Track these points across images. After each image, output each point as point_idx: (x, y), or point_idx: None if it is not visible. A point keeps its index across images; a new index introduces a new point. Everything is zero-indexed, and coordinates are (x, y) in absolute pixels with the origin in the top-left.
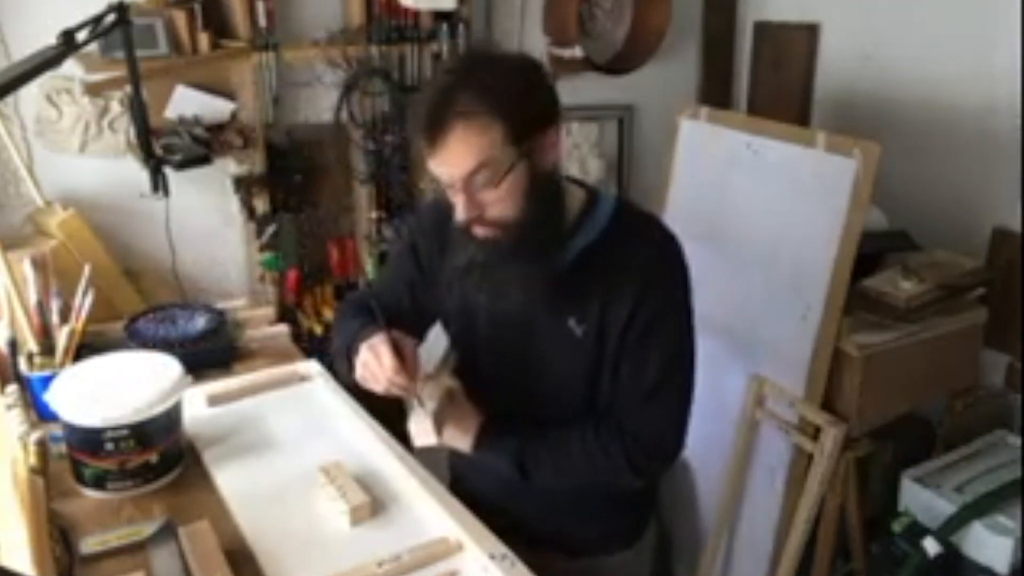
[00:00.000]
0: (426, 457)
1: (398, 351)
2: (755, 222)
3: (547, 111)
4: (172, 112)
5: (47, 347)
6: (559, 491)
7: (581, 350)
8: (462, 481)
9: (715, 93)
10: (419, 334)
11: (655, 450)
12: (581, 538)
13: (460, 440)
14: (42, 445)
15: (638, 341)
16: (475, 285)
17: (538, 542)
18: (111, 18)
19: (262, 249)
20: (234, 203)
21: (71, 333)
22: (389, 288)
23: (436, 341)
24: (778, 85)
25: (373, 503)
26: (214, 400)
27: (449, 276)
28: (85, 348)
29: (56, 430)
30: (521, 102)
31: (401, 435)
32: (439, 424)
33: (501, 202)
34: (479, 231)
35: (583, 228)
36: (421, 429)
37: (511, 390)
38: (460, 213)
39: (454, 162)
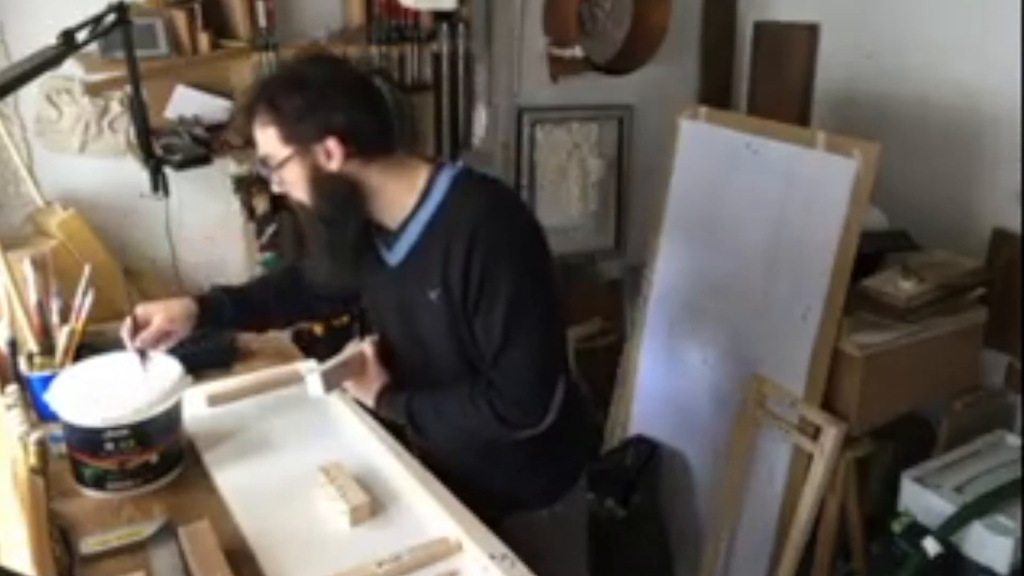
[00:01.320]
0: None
1: (137, 324)
2: (755, 222)
3: (325, 127)
4: (172, 112)
5: (47, 347)
6: (474, 447)
7: (439, 315)
8: (427, 456)
9: (715, 93)
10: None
11: (515, 403)
12: (500, 490)
13: (364, 396)
14: (42, 445)
15: (476, 299)
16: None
17: (474, 498)
18: (111, 18)
19: (262, 249)
20: (234, 203)
21: (71, 333)
22: None
23: None
24: (778, 85)
25: (373, 503)
26: (214, 400)
27: None
28: (85, 348)
29: (56, 430)
30: (294, 116)
31: (401, 435)
32: (329, 381)
33: (290, 186)
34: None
35: (423, 204)
36: (310, 380)
37: (406, 356)
38: (272, 185)
39: (257, 144)
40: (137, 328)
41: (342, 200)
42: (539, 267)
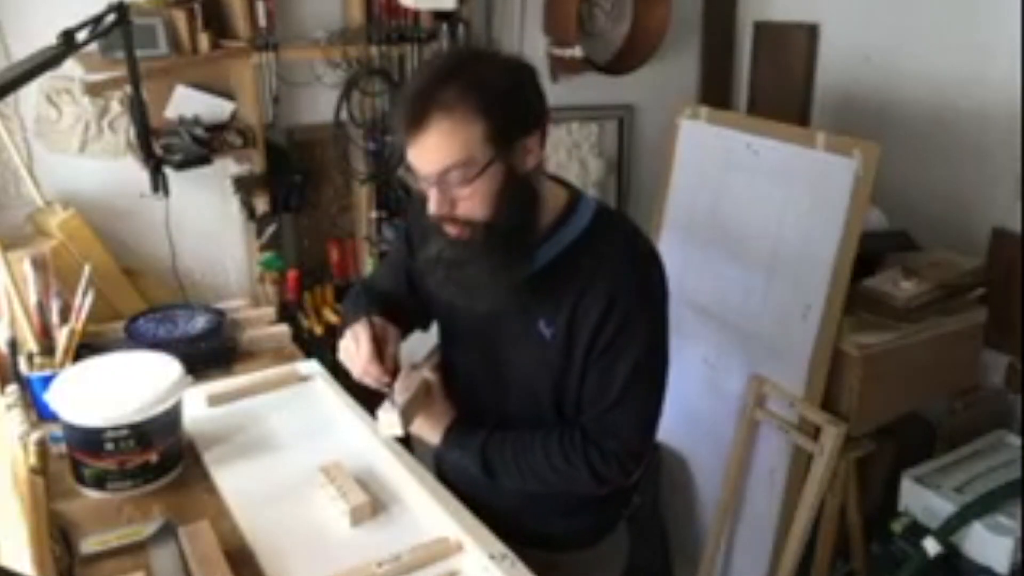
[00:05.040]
0: (421, 453)
1: (377, 340)
2: (755, 222)
3: (532, 114)
4: (172, 112)
5: (47, 347)
6: (534, 489)
7: (549, 352)
8: (445, 474)
9: (715, 93)
10: (426, 319)
11: (616, 461)
12: (551, 533)
13: (430, 433)
14: (42, 445)
15: (605, 349)
16: (441, 281)
17: (510, 535)
18: (111, 18)
19: (262, 249)
20: (234, 203)
21: (71, 333)
22: (391, 273)
23: (432, 334)
24: (778, 85)
25: (373, 503)
26: (214, 400)
27: (422, 266)
28: (85, 348)
29: (56, 430)
30: (507, 101)
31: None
32: (407, 417)
33: (473, 200)
34: (450, 228)
35: (560, 231)
36: (387, 420)
37: (483, 386)
38: (432, 207)
39: (431, 156)
40: (377, 343)
41: (531, 205)
42: (666, 329)
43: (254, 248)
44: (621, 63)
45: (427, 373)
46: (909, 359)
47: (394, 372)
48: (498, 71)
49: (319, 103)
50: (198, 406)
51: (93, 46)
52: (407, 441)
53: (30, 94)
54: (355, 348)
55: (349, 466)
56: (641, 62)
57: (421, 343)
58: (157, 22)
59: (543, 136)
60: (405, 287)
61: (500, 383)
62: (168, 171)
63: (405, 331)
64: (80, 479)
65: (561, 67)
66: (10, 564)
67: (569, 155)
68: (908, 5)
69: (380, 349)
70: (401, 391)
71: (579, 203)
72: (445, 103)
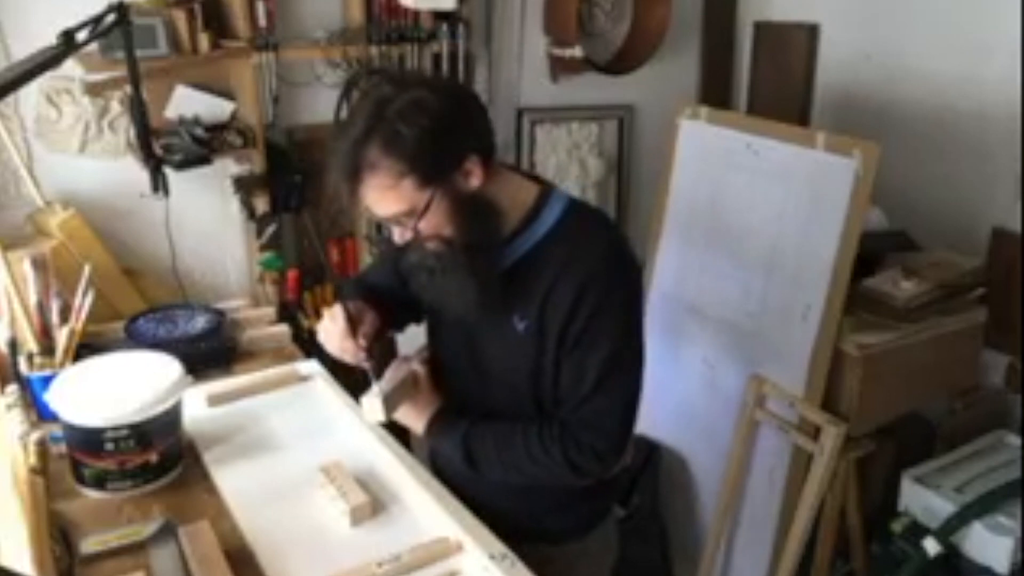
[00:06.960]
0: (420, 453)
1: (352, 320)
2: (755, 222)
3: (463, 143)
4: (172, 112)
5: (47, 347)
6: (516, 481)
7: (523, 346)
8: (440, 470)
9: (715, 93)
10: (418, 312)
11: (592, 452)
12: (543, 527)
13: (414, 422)
14: (42, 445)
15: (577, 340)
16: (424, 285)
17: (501, 530)
18: (111, 18)
19: (262, 249)
20: (234, 203)
21: (71, 333)
22: (381, 266)
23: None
24: (778, 85)
25: (373, 503)
26: (214, 400)
27: (405, 271)
28: (85, 348)
29: (56, 430)
30: (429, 146)
31: (402, 436)
32: (390, 404)
33: (429, 225)
34: (427, 244)
35: (531, 226)
36: (370, 405)
37: (467, 380)
38: (396, 237)
39: (374, 207)
40: (352, 323)
41: (487, 217)
42: (639, 320)
43: (254, 248)
44: (621, 63)
45: (416, 365)
46: (909, 359)
47: (369, 351)
48: (417, 117)
49: (319, 103)
50: (198, 406)
51: (93, 46)
52: (406, 441)
53: (30, 94)
54: (332, 325)
55: (349, 466)
56: (641, 62)
57: (419, 337)
58: (157, 22)
59: (485, 151)
60: (395, 280)
61: (482, 378)
62: (168, 171)
63: (392, 321)
64: (80, 479)
65: (561, 67)
66: (10, 564)
67: (569, 155)
68: (908, 5)
69: (355, 329)
70: (388, 380)
71: (550, 198)
72: (369, 163)
